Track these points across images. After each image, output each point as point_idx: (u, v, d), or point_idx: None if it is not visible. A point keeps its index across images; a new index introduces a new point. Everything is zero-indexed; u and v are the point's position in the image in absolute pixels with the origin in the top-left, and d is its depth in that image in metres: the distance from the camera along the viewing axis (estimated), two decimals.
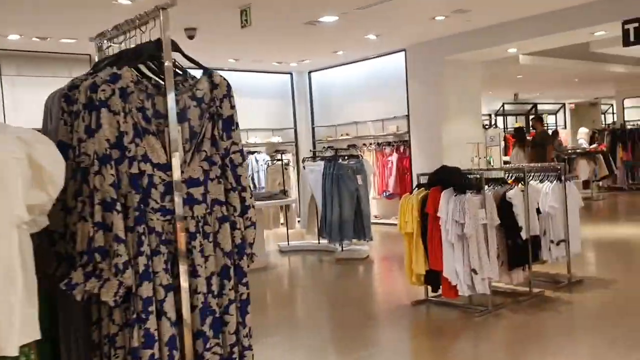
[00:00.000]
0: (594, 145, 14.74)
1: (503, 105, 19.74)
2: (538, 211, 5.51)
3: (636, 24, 7.37)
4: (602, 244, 8.01)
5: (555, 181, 5.71)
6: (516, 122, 21.46)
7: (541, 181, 5.79)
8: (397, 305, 5.39)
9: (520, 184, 5.46)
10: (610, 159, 13.97)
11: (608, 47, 10.56)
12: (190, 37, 7.27)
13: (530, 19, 8.30)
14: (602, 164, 13.47)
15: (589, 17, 7.83)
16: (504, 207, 5.17)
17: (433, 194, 4.94)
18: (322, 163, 7.58)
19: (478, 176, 5.05)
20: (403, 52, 10.24)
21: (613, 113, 23.32)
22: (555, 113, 22.83)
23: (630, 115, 16.19)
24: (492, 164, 9.96)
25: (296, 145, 11.84)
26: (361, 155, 7.98)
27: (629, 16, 7.42)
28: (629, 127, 14.81)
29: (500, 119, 20.37)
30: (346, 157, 7.62)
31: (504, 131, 19.68)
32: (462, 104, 10.06)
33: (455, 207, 4.80)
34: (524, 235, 5.22)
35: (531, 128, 12.76)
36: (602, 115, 22.96)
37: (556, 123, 22.74)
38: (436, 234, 4.91)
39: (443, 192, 4.89)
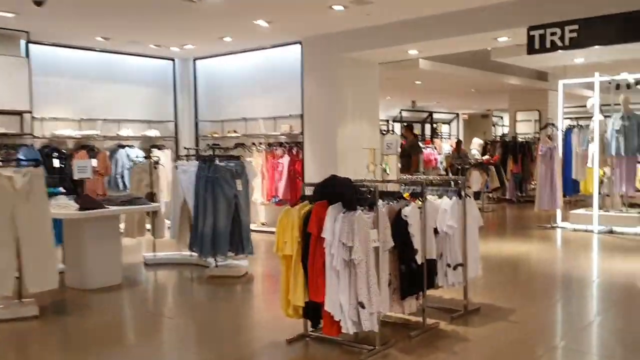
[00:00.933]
0: (486, 157, 14.70)
1: (401, 112, 19.53)
2: (435, 231, 4.83)
3: (542, 31, 6.96)
4: (493, 262, 7.57)
5: (454, 197, 5.06)
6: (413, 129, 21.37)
7: (440, 196, 5.12)
8: (270, 342, 4.48)
9: (418, 199, 4.74)
10: (502, 170, 13.95)
11: (509, 57, 10.33)
12: (38, 4, 5.93)
13: (433, 19, 7.74)
14: (494, 176, 13.39)
15: (493, 21, 7.37)
16: (399, 227, 4.42)
17: (318, 210, 4.07)
18: (197, 163, 6.52)
19: (372, 189, 4.26)
20: (299, 45, 9.39)
21: (502, 125, 24.05)
22: (449, 122, 23.07)
23: (521, 128, 16.43)
24: (388, 172, 9.35)
25: (176, 141, 10.66)
26: (243, 157, 6.99)
27: (534, 22, 7.01)
28: (519, 139, 14.92)
29: (397, 126, 20.16)
30: (224, 158, 6.61)
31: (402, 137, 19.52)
32: (360, 106, 9.38)
33: (343, 226, 3.97)
34: (419, 259, 4.50)
35: (402, 136, 12.40)
36: (493, 127, 23.52)
37: (450, 132, 22.97)
38: (319, 258, 4.05)
39: (330, 208, 4.04)
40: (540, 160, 10.30)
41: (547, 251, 8.49)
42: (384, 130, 10.52)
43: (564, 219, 10.63)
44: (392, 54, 9.00)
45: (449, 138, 22.18)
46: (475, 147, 14.86)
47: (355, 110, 9.32)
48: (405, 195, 4.86)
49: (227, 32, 8.70)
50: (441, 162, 16.95)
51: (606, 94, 10.46)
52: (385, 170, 9.28)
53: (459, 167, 13.66)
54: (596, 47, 9.55)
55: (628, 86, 12.04)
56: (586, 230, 9.98)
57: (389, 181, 5.40)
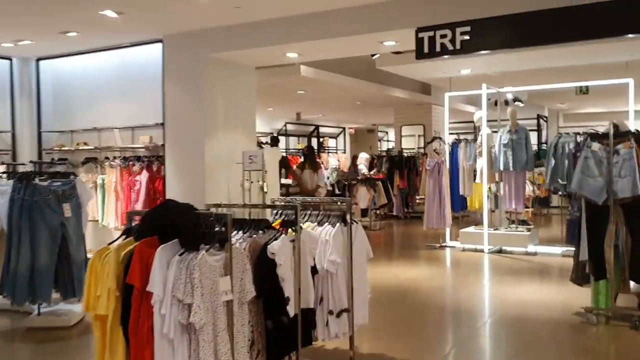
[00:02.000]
0: (373, 171, 14.09)
1: (286, 125, 18.58)
2: (314, 270, 3.78)
3: (431, 33, 6.19)
4: (383, 293, 6.70)
5: (338, 224, 4.05)
6: (298, 143, 20.53)
7: (320, 223, 4.09)
8: None
9: (291, 229, 3.67)
10: (389, 186, 13.36)
11: (394, 65, 9.67)
12: None
13: (312, 17, 6.78)
14: (381, 192, 12.73)
15: (379, 21, 6.53)
16: (264, 269, 3.32)
17: (142, 251, 2.86)
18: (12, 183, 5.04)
19: (224, 217, 3.12)
20: (160, 44, 8.07)
21: (387, 140, 23.91)
22: (336, 137, 22.49)
23: (406, 143, 16.09)
24: (266, 191, 8.26)
25: (13, 155, 8.89)
26: (75, 174, 5.56)
27: (423, 24, 6.24)
28: (405, 154, 14.50)
29: (282, 139, 19.17)
30: (49, 176, 5.17)
31: (287, 152, 18.57)
32: (233, 114, 8.22)
33: (178, 275, 2.79)
34: (291, 310, 3.42)
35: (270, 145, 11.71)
36: (379, 142, 23.28)
37: (336, 147, 22.39)
38: (145, 321, 2.84)
39: (160, 249, 2.85)
40: (428, 175, 9.70)
41: (438, 277, 7.77)
42: (264, 143, 9.46)
43: (453, 237, 10.10)
44: (269, 57, 7.95)
45: (336, 152, 21.58)
46: (362, 161, 14.21)
47: (228, 120, 8.15)
48: (275, 223, 3.78)
49: (70, 25, 7.22)
50: (327, 178, 16.17)
51: (492, 109, 10.10)
52: (263, 189, 8.18)
53: (346, 183, 12.89)
54: (484, 56, 9.19)
55: (506, 102, 11.87)
56: (476, 250, 9.48)
57: (253, 205, 4.26)
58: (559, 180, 9.15)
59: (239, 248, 3.16)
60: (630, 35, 5.35)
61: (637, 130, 5.14)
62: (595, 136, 5.24)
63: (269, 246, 3.36)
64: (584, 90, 10.70)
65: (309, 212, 4.17)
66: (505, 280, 7.31)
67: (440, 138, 9.87)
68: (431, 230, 9.77)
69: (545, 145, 16.31)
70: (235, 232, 3.46)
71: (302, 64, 9.54)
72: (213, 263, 2.93)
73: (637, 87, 8.82)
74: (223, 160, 8.16)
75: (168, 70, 8.02)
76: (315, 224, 4.04)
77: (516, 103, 12.89)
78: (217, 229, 3.13)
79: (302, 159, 11.25)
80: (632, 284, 5.41)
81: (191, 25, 7.35)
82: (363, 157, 14.30)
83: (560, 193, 9.87)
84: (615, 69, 9.38)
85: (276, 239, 3.43)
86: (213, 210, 3.89)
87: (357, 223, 4.24)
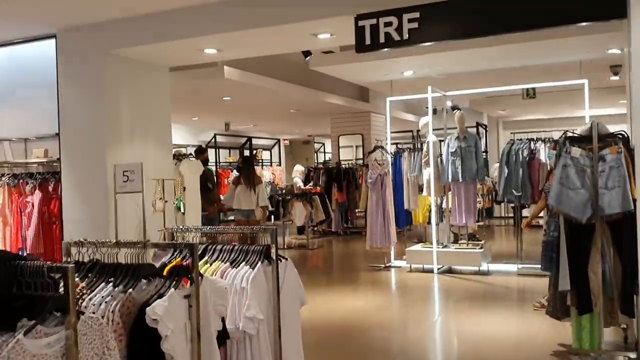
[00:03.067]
0: (309, 185, 13.02)
1: (215, 137, 17.26)
2: (223, 335, 2.63)
3: (373, 21, 5.20)
4: (321, 335, 5.61)
5: (259, 262, 2.92)
6: (230, 156, 19.24)
7: (234, 263, 2.94)
8: None
9: (188, 277, 2.51)
10: (327, 200, 12.32)
11: (329, 65, 8.65)
12: None
13: (232, 3, 5.66)
14: (318, 207, 11.67)
15: (311, 8, 5.48)
16: (140, 343, 2.15)
17: None
18: None
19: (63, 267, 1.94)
20: (54, 39, 6.74)
21: (325, 152, 22.96)
22: (270, 149, 21.33)
23: (344, 154, 15.16)
24: (183, 212, 7.01)
25: None
26: None
27: (364, 9, 5.23)
28: (343, 166, 13.53)
29: (212, 152, 17.84)
30: None
31: (217, 165, 17.24)
32: (142, 123, 6.96)
33: None
34: None
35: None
36: (315, 154, 22.31)
37: (271, 159, 21.23)
38: None
39: None
40: (370, 189, 8.70)
41: (385, 307, 6.72)
42: (183, 155, 8.17)
43: (398, 255, 9.14)
44: (183, 54, 6.75)
45: (271, 165, 20.39)
46: (297, 174, 13.13)
47: (135, 129, 6.89)
48: (167, 268, 2.61)
49: None
50: None
51: (437, 119, 9.27)
52: (179, 209, 6.94)
53: (280, 198, 11.75)
54: (427, 56, 8.32)
55: (453, 109, 11.14)
56: (424, 270, 8.54)
57: (129, 244, 3.00)
58: (513, 191, 8.40)
59: (94, 318, 1.97)
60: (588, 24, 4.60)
61: (624, 132, 4.27)
62: (575, 139, 4.34)
63: (148, 309, 2.19)
64: (531, 94, 10.04)
65: (219, 246, 3.02)
66: (461, 309, 6.35)
67: (382, 147, 8.92)
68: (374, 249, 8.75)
69: (485, 154, 15.79)
70: (98, 286, 2.28)
71: (225, 64, 8.37)
72: (40, 351, 1.74)
73: (591, 91, 8.15)
74: None
75: (63, 71, 6.69)
76: (228, 264, 2.90)
77: (455, 112, 12.20)
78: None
79: (237, 172, 9.99)
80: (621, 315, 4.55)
81: (89, 16, 6.09)
82: (298, 170, 13.23)
83: (513, 205, 9.16)
84: (567, 70, 8.70)
85: (161, 296, 2.27)
86: (74, 250, 2.70)
87: (286, 260, 3.11)
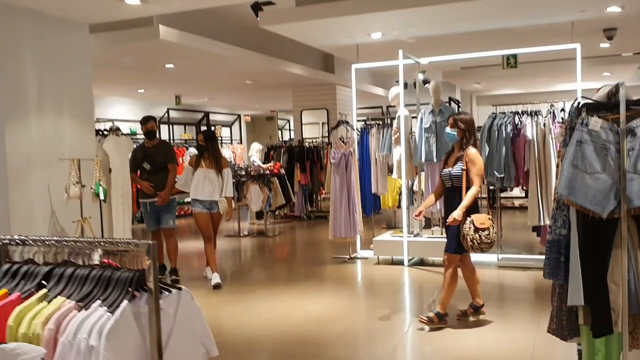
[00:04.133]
0: (268, 164, 11.85)
1: (168, 112, 15.90)
2: None
3: None
4: (271, 352, 4.53)
5: (124, 302, 1.78)
6: (184, 132, 17.90)
7: (86, 303, 1.79)
8: None
9: None
10: (287, 183, 11.17)
11: (281, 23, 7.35)
12: None
13: None
14: (277, 190, 10.53)
15: None
16: None
17: None
18: None
19: None
20: None
21: (290, 129, 21.75)
22: (230, 125, 20.02)
23: (308, 132, 14.02)
24: (104, 199, 5.79)
25: None
26: None
27: None
28: (307, 144, 12.40)
29: (165, 128, 16.49)
30: None
31: (173, 142, 15.92)
32: (54, 92, 5.72)
33: None
34: None
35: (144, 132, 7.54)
36: (279, 131, 21.08)
37: (231, 137, 19.94)
38: None
39: None
40: (334, 171, 7.60)
41: (350, 311, 5.62)
42: (106, 130, 6.77)
43: (365, 244, 8.10)
44: (101, 5, 5.48)
45: (231, 143, 19.11)
46: (254, 153, 11.94)
47: (45, 99, 5.65)
48: None
49: None
50: None
51: (408, 95, 8.17)
52: (98, 195, 5.72)
53: (234, 180, 10.55)
54: (397, 15, 7.18)
55: (424, 82, 10.12)
56: (393, 262, 7.52)
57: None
58: (495, 172, 7.38)
59: None
60: None
61: None
62: (594, 107, 3.27)
63: None
64: (512, 63, 9.00)
65: (70, 270, 1.86)
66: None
67: (346, 122, 7.80)
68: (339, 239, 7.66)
69: None
70: None
71: (161, 23, 7.09)
72: None
73: (584, 60, 7.12)
74: (38, 156, 5.68)
75: None
76: (72, 304, 1.75)
77: (426, 86, 11.13)
78: None
79: (195, 152, 7.96)
80: None
81: None
82: (256, 148, 12.03)
83: (493, 187, 8.21)
84: (556, 34, 7.66)
85: None
86: None
87: (178, 291, 1.98)
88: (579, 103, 3.37)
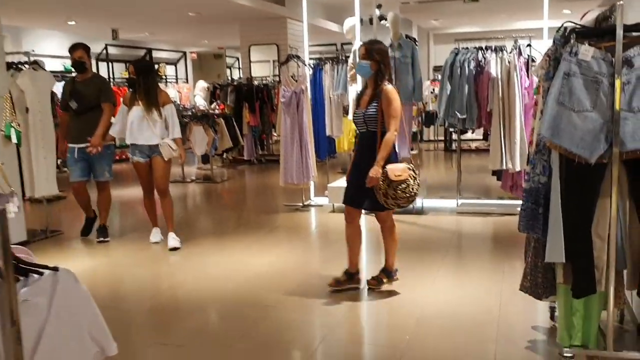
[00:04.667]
0: (214, 105, 11.11)
1: (106, 48, 14.74)
2: None
3: None
4: (217, 315, 4.06)
5: None
6: (126, 70, 16.77)
7: None
8: None
9: None
10: (234, 124, 10.50)
11: None
12: None
13: None
14: (223, 132, 9.86)
15: None
16: None
17: None
18: None
19: None
20: None
21: (240, 68, 20.76)
22: (175, 63, 18.93)
23: (258, 70, 13.23)
24: (16, 140, 5.06)
25: None
26: None
27: None
28: (256, 83, 11.66)
29: (103, 66, 15.35)
30: None
31: (113, 82, 14.87)
32: None
33: None
34: None
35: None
36: (229, 70, 20.08)
37: (176, 75, 18.88)
38: None
39: None
40: (284, 111, 7.01)
41: (302, 266, 5.18)
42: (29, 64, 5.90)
43: (319, 190, 7.63)
44: None
45: (176, 82, 18.08)
46: (199, 92, 11.16)
47: None
48: None
49: None
50: None
51: (365, 31, 7.52)
52: (9, 138, 4.98)
53: None
54: None
55: (381, 18, 9.51)
56: None
57: None
58: (457, 113, 6.93)
59: None
60: None
61: None
62: (585, 33, 2.78)
63: None
64: None
65: None
66: (398, 268, 4.91)
67: (297, 57, 7.15)
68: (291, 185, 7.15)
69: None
70: None
71: None
72: None
73: None
74: None
75: None
76: None
77: (382, 22, 10.50)
78: None
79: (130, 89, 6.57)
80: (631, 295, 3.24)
81: None
82: (201, 86, 11.25)
83: (454, 129, 7.77)
84: None
85: None
86: None
87: (54, 272, 1.42)
88: (565, 29, 2.87)
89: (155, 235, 5.78)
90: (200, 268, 4.98)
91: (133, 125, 5.40)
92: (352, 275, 4.28)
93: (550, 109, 2.77)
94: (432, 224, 6.36)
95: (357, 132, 4.17)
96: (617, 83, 2.67)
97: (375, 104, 3.95)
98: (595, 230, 2.86)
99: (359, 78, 6.90)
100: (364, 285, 4.29)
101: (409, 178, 3.88)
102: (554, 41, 2.91)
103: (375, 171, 3.82)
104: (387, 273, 4.24)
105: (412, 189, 3.91)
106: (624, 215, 2.87)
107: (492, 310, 3.74)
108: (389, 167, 3.85)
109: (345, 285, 4.22)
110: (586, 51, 2.71)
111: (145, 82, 5.36)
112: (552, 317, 3.49)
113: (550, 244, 2.90)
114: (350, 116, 7.37)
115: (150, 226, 5.86)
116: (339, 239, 5.78)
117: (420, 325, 3.62)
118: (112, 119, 5.70)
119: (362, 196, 4.00)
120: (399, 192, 3.85)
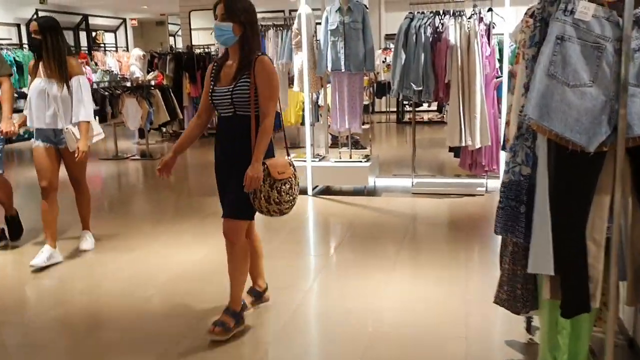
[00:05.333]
0: (152, 75, 10.21)
1: (37, 13, 13.49)
2: None
3: None
4: (125, 323, 3.38)
5: None
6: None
7: None
8: None
9: None
10: (171, 96, 9.62)
11: None
12: None
13: None
14: (159, 105, 9.01)
15: None
16: None
17: None
18: None
19: None
20: None
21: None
22: (114, 31, 17.70)
23: (201, 39, 12.31)
24: None
25: None
26: None
27: None
28: (198, 51, 10.79)
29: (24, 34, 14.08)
30: None
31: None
32: None
33: None
34: None
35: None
36: (172, 38, 18.95)
37: (116, 44, 17.69)
38: None
39: None
40: None
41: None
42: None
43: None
44: None
45: (116, 51, 16.89)
46: (135, 60, 10.22)
47: None
48: None
49: None
50: (97, 83, 11.84)
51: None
52: None
53: (106, 93, 8.91)
54: None
55: None
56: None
57: None
58: (412, 84, 6.33)
59: None
60: None
61: None
62: None
63: None
64: None
65: None
66: (344, 263, 4.31)
67: None
68: None
69: None
70: None
71: None
72: None
73: None
74: None
75: None
76: None
77: None
78: None
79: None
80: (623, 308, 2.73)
81: None
82: (136, 54, 10.31)
83: (408, 102, 7.13)
84: None
85: None
86: None
87: None
88: None
89: (86, 239, 4.66)
90: (115, 267, 4.26)
91: (32, 103, 4.22)
92: (259, 293, 3.44)
93: (539, 83, 2.17)
94: (386, 207, 5.79)
95: (218, 115, 3.12)
96: (625, 49, 2.09)
97: (246, 80, 2.95)
98: (590, 234, 2.31)
99: (304, 45, 6.21)
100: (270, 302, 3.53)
101: (292, 176, 3.08)
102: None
103: (255, 170, 2.90)
104: (233, 314, 3.12)
105: (295, 190, 3.09)
106: (625, 216, 2.33)
107: (458, 321, 3.18)
108: (270, 162, 2.99)
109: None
110: (585, 8, 2.11)
111: (52, 47, 4.17)
112: (528, 330, 2.96)
113: (535, 251, 2.34)
114: (295, 87, 6.71)
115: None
116: (282, 227, 5.13)
117: (374, 339, 3.04)
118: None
119: (233, 202, 3.05)
120: (283, 194, 3.00)
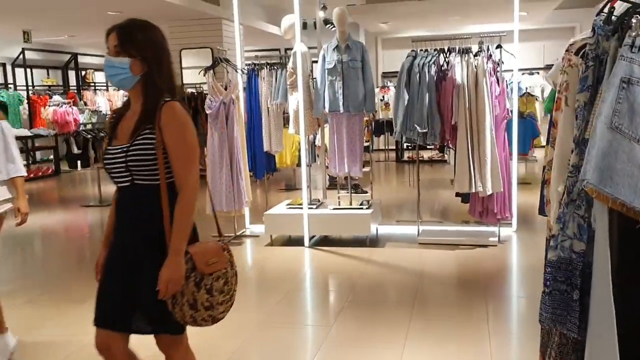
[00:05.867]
0: None
1: (23, 52, 13.13)
2: None
3: None
4: None
5: None
6: (47, 77, 15.17)
7: None
8: None
9: None
10: None
11: None
12: None
13: None
14: None
15: None
16: None
17: None
18: None
19: None
20: None
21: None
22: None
23: (192, 77, 11.98)
24: None
25: None
26: None
27: None
28: (190, 91, 10.40)
29: (20, 73, 13.74)
30: None
31: (29, 90, 13.28)
32: None
33: None
34: None
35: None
36: None
37: (107, 82, 17.28)
38: None
39: None
40: (211, 125, 5.85)
41: (234, 336, 4.01)
42: None
43: (255, 216, 6.48)
44: None
45: (107, 90, 16.51)
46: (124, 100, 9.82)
47: None
48: None
49: None
50: (85, 124, 11.41)
51: (309, 34, 6.46)
52: None
53: (89, 136, 8.45)
54: None
55: (325, 22, 8.64)
56: (290, 241, 5.98)
57: None
58: (417, 126, 5.90)
59: None
60: None
61: None
62: None
63: None
64: None
65: None
66: (346, 336, 3.77)
67: (226, 60, 5.98)
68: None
69: None
70: None
71: None
72: None
73: None
74: None
75: None
76: None
77: (327, 26, 9.49)
78: None
79: None
80: None
81: None
82: (123, 94, 9.87)
83: (410, 145, 6.68)
84: None
85: None
86: None
87: None
88: (612, 9, 1.82)
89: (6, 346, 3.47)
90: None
91: None
92: None
93: (599, 140, 1.70)
94: (391, 261, 5.26)
95: (116, 185, 2.24)
96: None
97: (148, 135, 2.14)
98: None
99: (300, 85, 5.79)
100: None
101: (227, 267, 2.22)
102: (593, 29, 1.86)
103: (173, 268, 2.08)
104: None
105: (232, 285, 2.24)
106: None
107: None
108: (194, 250, 2.15)
109: None
110: None
111: None
112: None
113: (597, 347, 1.83)
114: (291, 130, 6.27)
115: None
116: (276, 286, 4.56)
117: None
118: None
119: (127, 310, 2.19)
120: (215, 294, 2.16)
